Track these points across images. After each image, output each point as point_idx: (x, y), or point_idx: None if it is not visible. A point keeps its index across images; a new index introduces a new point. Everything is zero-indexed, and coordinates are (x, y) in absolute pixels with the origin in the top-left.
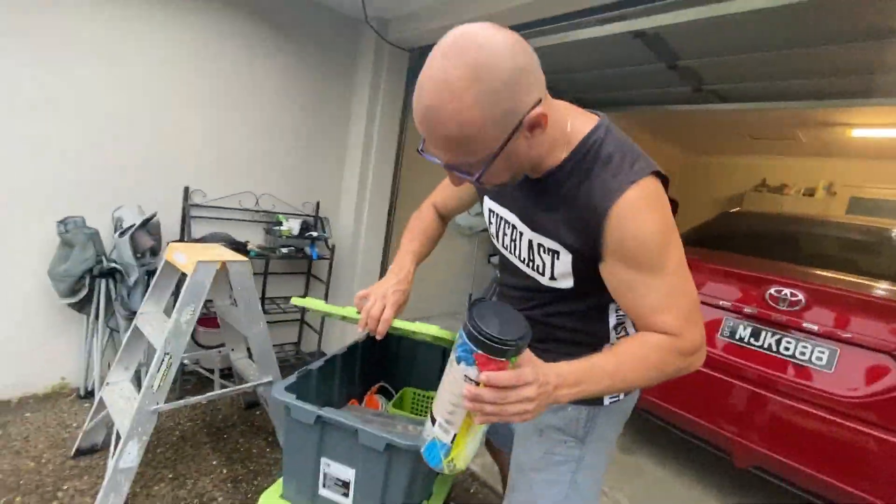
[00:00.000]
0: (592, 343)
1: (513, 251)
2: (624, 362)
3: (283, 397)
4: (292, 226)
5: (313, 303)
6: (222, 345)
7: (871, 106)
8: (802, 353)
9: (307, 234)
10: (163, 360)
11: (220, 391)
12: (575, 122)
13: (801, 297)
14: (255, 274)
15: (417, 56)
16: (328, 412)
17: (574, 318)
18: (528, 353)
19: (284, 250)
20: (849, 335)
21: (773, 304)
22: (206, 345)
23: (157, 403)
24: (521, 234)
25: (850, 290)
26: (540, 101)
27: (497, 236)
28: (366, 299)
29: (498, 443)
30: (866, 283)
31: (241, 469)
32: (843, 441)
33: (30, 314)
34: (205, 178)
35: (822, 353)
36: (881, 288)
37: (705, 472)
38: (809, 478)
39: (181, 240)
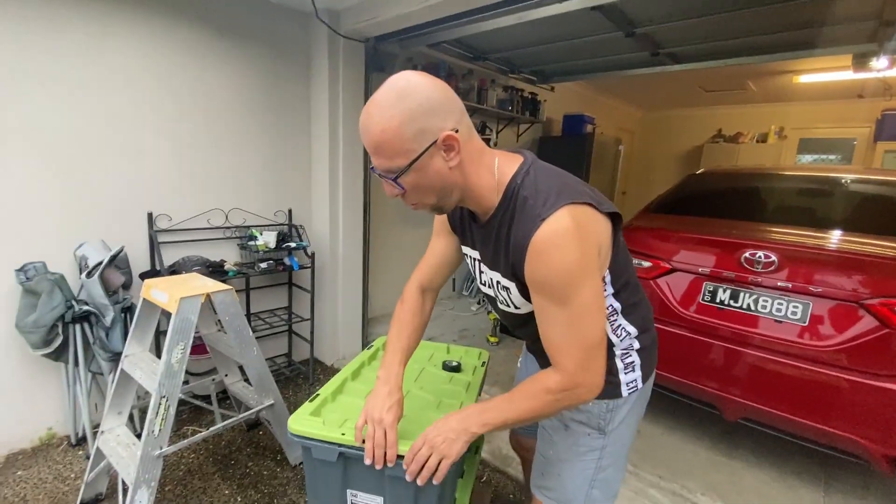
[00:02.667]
0: None
1: (488, 287)
2: (516, 403)
3: (301, 439)
4: (268, 239)
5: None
6: (214, 370)
7: (815, 57)
8: (778, 310)
9: (284, 245)
10: (160, 404)
11: (223, 423)
12: (502, 168)
13: (773, 258)
14: (236, 291)
15: (373, 47)
16: (350, 448)
17: None
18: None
19: (264, 265)
20: (819, 289)
21: (749, 267)
22: (197, 372)
23: (161, 448)
24: (483, 271)
25: (818, 247)
26: (456, 130)
27: (476, 276)
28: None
29: (525, 433)
30: (832, 238)
31: (255, 494)
32: (820, 387)
33: (3, 369)
34: (168, 202)
35: (797, 307)
36: (846, 240)
37: (696, 427)
38: (793, 423)
39: (152, 269)
